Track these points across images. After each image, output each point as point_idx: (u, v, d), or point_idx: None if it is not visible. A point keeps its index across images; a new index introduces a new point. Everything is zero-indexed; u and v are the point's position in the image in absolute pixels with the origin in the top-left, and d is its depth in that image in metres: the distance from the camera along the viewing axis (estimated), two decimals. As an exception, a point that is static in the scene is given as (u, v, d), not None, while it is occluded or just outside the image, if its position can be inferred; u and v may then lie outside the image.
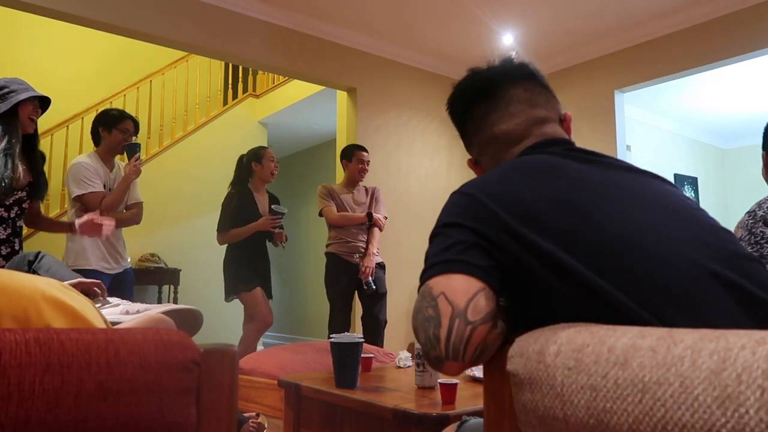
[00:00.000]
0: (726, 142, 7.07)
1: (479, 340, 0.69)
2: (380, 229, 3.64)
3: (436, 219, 0.86)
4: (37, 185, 2.37)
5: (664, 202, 0.81)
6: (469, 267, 0.73)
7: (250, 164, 3.53)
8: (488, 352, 0.72)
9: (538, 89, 1.01)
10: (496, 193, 0.81)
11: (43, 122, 5.11)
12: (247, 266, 3.49)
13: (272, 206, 3.47)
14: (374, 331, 3.56)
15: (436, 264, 0.76)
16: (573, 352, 0.63)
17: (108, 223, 2.37)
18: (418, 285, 0.79)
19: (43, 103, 2.35)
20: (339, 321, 3.52)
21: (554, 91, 1.05)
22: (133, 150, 2.89)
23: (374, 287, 3.49)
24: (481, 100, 1.00)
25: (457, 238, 0.77)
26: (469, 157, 1.08)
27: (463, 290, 0.71)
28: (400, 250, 4.53)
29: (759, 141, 1.56)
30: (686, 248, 0.73)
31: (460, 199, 0.84)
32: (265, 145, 3.67)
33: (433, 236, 0.83)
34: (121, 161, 3.18)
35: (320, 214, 3.62)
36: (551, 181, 0.82)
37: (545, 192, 0.80)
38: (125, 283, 3.10)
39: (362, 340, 1.82)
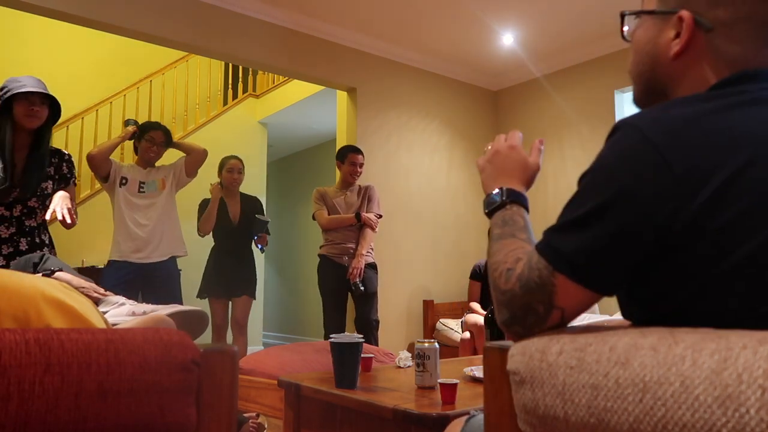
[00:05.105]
0: (726, 142, 7.05)
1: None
2: (372, 229, 3.63)
3: (595, 160, 0.70)
4: (24, 183, 2.24)
5: None
6: (603, 286, 0.69)
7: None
8: None
9: None
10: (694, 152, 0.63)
11: (43, 122, 5.15)
12: (213, 270, 3.67)
13: (256, 215, 3.67)
14: (366, 331, 3.56)
15: (574, 259, 0.68)
16: (575, 351, 0.63)
17: None
18: (541, 242, 0.72)
19: (49, 98, 2.29)
20: (331, 322, 3.54)
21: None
22: (127, 123, 3.40)
23: (362, 288, 3.49)
24: None
25: (610, 230, 0.66)
26: (685, 11, 0.73)
27: (581, 308, 0.71)
28: (399, 250, 4.53)
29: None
30: None
31: (635, 151, 0.65)
32: (234, 155, 3.79)
33: (587, 198, 0.68)
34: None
35: (313, 218, 3.67)
36: None
37: None
38: (153, 277, 3.10)
39: (362, 340, 1.82)
